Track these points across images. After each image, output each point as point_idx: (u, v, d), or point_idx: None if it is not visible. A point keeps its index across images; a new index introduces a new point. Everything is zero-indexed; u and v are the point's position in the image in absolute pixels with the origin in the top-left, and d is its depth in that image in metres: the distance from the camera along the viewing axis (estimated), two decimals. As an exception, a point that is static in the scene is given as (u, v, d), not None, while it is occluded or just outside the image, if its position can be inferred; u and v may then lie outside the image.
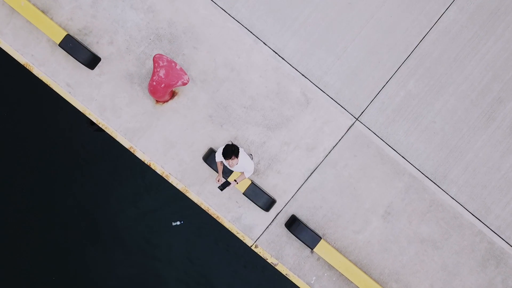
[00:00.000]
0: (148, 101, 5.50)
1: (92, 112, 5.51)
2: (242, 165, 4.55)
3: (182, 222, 5.79)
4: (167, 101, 5.49)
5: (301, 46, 5.51)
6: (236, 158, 4.25)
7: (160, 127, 5.48)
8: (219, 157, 4.52)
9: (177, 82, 5.00)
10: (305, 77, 5.49)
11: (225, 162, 4.35)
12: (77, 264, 6.00)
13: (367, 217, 5.42)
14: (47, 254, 6.37)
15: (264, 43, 5.52)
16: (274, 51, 5.51)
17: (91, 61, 5.40)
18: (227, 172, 5.25)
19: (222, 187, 4.67)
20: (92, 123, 5.67)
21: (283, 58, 5.50)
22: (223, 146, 4.27)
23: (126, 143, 5.50)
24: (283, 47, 5.51)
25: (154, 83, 5.03)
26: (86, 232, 6.01)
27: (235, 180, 4.72)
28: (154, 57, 4.99)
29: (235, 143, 5.48)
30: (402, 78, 5.48)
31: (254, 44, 5.51)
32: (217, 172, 5.01)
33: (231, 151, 4.17)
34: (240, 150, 4.45)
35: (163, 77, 4.98)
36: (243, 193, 5.28)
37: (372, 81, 5.48)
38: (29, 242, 6.12)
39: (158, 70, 5.00)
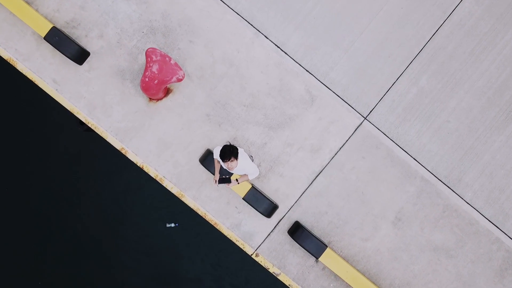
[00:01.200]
0: (140, 99, 5.12)
1: (81, 111, 5.13)
2: (242, 168, 4.18)
3: (177, 224, 5.41)
4: (161, 98, 5.11)
5: (305, 40, 5.13)
6: (235, 160, 3.89)
7: (154, 126, 5.10)
8: (217, 154, 4.15)
9: (172, 78, 4.63)
10: (310, 73, 5.11)
11: (224, 165, 3.97)
12: (63, 265, 5.63)
13: (376, 224, 5.04)
14: (36, 257, 6.00)
15: (265, 36, 5.14)
16: (276, 45, 5.13)
17: (80, 56, 5.03)
18: (226, 174, 4.87)
19: (220, 182, 4.33)
20: (82, 122, 5.29)
21: (285, 53, 5.13)
22: (222, 146, 3.90)
23: (117, 144, 5.12)
24: (286, 41, 5.13)
25: (147, 79, 4.65)
26: (70, 236, 5.65)
27: (236, 180, 4.36)
28: (147, 51, 4.61)
29: (234, 144, 5.10)
30: (413, 74, 5.10)
31: (254, 38, 5.13)
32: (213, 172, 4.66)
33: (229, 152, 3.79)
34: (240, 151, 4.08)
35: (156, 72, 4.60)
36: (242, 198, 4.91)
37: (381, 78, 5.10)
38: (13, 246, 5.75)
39: (151, 65, 4.62)
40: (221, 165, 4.43)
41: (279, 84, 5.10)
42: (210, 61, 5.12)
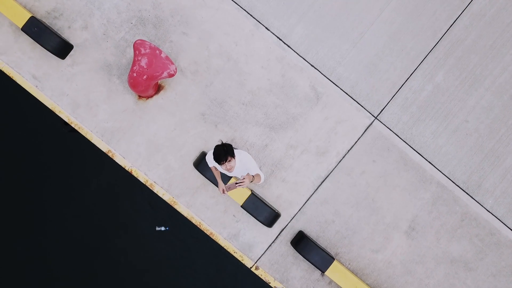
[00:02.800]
0: (129, 97, 4.66)
1: (63, 110, 4.66)
2: (244, 165, 3.63)
3: (167, 228, 4.96)
4: (151, 96, 4.65)
5: (310, 32, 4.67)
6: (233, 159, 3.33)
7: (143, 127, 4.64)
8: (211, 161, 3.64)
9: (162, 73, 4.17)
10: (315, 68, 4.65)
11: (221, 168, 3.47)
12: (46, 268, 5.15)
13: (387, 234, 4.59)
14: (20, 257, 5.53)
15: (266, 28, 4.68)
16: (278, 38, 4.67)
17: (62, 49, 4.57)
18: (227, 180, 4.42)
19: (229, 189, 3.52)
20: (66, 123, 4.83)
21: (288, 46, 4.66)
22: (213, 149, 3.38)
23: (103, 146, 4.66)
24: (289, 33, 4.67)
25: (135, 75, 4.19)
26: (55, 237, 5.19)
27: (243, 179, 3.41)
28: (135, 43, 4.16)
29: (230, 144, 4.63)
30: (429, 70, 4.64)
31: (254, 29, 4.67)
32: (213, 181, 4.10)
33: (223, 152, 3.26)
34: (237, 152, 3.58)
35: (145, 67, 4.15)
36: (241, 206, 4.45)
37: (393, 73, 4.64)
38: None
39: (140, 58, 4.16)
40: (220, 171, 3.89)
41: (282, 80, 4.64)
42: (205, 55, 4.66)
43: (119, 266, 5.17)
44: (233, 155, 3.27)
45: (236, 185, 3.29)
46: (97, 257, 5.22)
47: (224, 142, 3.36)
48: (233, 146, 3.61)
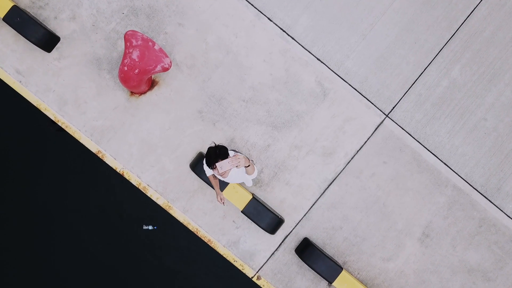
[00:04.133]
0: (120, 93, 4.31)
1: (49, 107, 4.32)
2: (242, 171, 3.29)
3: (155, 227, 4.59)
4: (144, 92, 4.31)
5: (316, 23, 4.32)
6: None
7: (136, 126, 4.29)
8: (208, 169, 3.23)
9: (156, 66, 3.83)
10: (321, 61, 4.31)
11: (215, 173, 3.06)
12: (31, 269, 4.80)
13: (400, 241, 4.25)
14: (6, 260, 5.18)
15: (268, 18, 4.34)
16: (281, 29, 4.32)
17: (47, 41, 4.23)
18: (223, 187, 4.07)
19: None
20: (53, 121, 4.47)
21: (293, 38, 4.32)
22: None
23: (92, 147, 4.31)
24: (293, 24, 4.32)
25: (126, 68, 3.85)
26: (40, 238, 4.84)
27: (236, 156, 2.85)
28: (126, 34, 3.82)
29: (231, 146, 4.30)
30: (444, 64, 4.30)
31: (256, 20, 4.32)
32: (212, 187, 3.67)
33: (215, 154, 2.82)
34: (230, 152, 3.20)
35: (137, 60, 3.80)
36: (241, 211, 4.11)
37: (406, 68, 4.30)
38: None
39: (131, 51, 3.82)
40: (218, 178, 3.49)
41: (285, 75, 4.30)
42: (203, 47, 4.31)
43: (110, 278, 4.82)
44: (224, 159, 2.83)
45: (229, 163, 2.74)
46: (91, 265, 4.87)
47: (218, 143, 2.96)
48: (229, 149, 3.26)
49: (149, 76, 3.99)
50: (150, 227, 4.64)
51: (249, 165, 2.94)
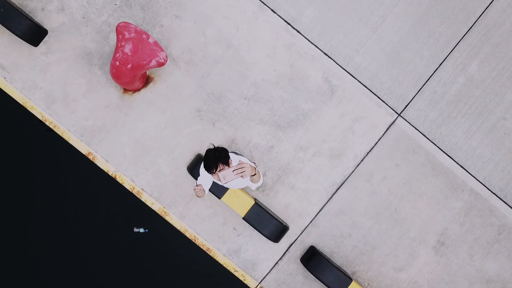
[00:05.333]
0: (112, 90, 4.01)
1: (36, 105, 4.01)
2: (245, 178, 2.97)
3: (147, 230, 4.28)
4: (138, 89, 4.01)
5: (323, 14, 4.02)
6: (226, 167, 2.59)
7: (129, 125, 3.99)
8: (205, 175, 2.89)
9: (150, 61, 3.53)
10: (329, 56, 4.01)
11: (213, 179, 2.75)
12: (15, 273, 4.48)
13: (413, 249, 3.96)
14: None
15: (272, 10, 4.04)
16: (286, 21, 4.02)
17: (34, 34, 3.93)
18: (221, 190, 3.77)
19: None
20: (41, 121, 4.17)
21: (298, 31, 4.02)
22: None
23: (82, 148, 4.01)
24: (299, 16, 4.03)
25: (118, 63, 3.54)
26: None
27: (241, 165, 2.55)
28: (118, 26, 3.52)
29: (232, 147, 4.00)
30: (461, 59, 4.00)
31: (258, 12, 4.03)
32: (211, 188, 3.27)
33: (214, 158, 2.52)
34: (231, 154, 2.91)
35: (129, 54, 3.50)
36: (243, 218, 3.81)
37: (420, 63, 4.00)
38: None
39: (123, 44, 3.52)
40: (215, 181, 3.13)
41: (290, 71, 4.00)
42: (202, 41, 4.01)
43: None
44: (226, 162, 2.52)
45: (234, 172, 2.45)
46: (78, 272, 4.57)
47: (217, 145, 2.64)
48: (230, 151, 2.94)
49: (143, 71, 3.69)
50: (142, 230, 4.33)
51: (255, 174, 2.63)
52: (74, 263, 4.47)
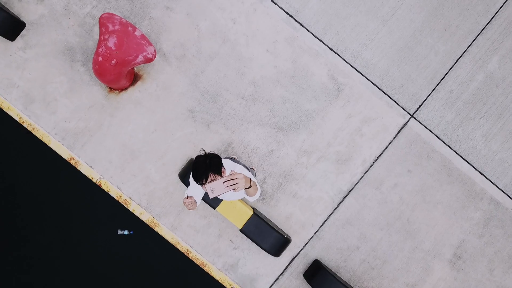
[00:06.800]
0: (97, 89, 3.65)
1: (12, 105, 3.65)
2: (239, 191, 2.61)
3: (131, 232, 3.93)
4: (125, 88, 3.65)
5: (329, 6, 3.67)
6: (219, 177, 2.16)
7: (116, 128, 3.63)
8: (195, 186, 2.52)
9: (137, 56, 3.18)
10: (335, 52, 3.65)
11: (204, 190, 2.32)
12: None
13: (427, 263, 3.61)
14: None
15: (272, 1, 3.68)
16: (287, 13, 3.66)
17: (10, 27, 3.59)
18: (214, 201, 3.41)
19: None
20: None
21: (301, 24, 3.66)
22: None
23: (64, 152, 3.64)
24: (302, 7, 3.67)
25: (100, 59, 3.19)
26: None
27: (233, 175, 2.18)
28: (101, 17, 3.18)
29: (228, 152, 3.63)
30: (479, 55, 3.65)
31: (257, 3, 3.67)
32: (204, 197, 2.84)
33: (205, 167, 2.12)
34: (226, 161, 2.55)
35: (114, 48, 3.14)
36: (240, 230, 3.45)
37: (434, 59, 3.64)
38: None
39: (106, 37, 3.16)
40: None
41: (292, 67, 3.64)
42: (195, 35, 3.65)
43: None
44: (218, 172, 2.13)
45: (224, 184, 2.08)
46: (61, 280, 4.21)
47: (209, 151, 2.25)
48: (225, 156, 2.58)
49: (130, 68, 3.33)
50: (126, 232, 3.97)
51: (250, 186, 2.25)
52: (51, 278, 4.11)
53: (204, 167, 2.11)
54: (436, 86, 3.65)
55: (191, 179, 2.46)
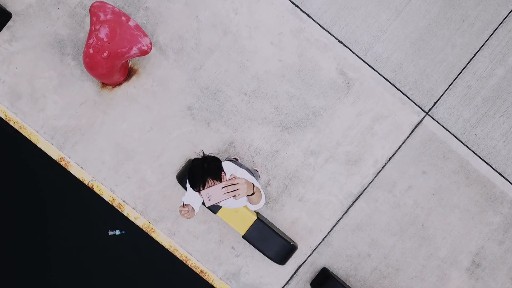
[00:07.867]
0: (89, 84, 3.40)
1: (-2, 102, 3.40)
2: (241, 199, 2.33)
3: (123, 232, 3.68)
4: (119, 83, 3.40)
5: (338, -5, 3.42)
6: (217, 182, 1.88)
7: (109, 126, 3.38)
8: (191, 194, 2.25)
9: (131, 48, 2.93)
10: (344, 45, 3.40)
11: (202, 196, 2.04)
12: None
13: (443, 272, 3.36)
14: None
15: (277, -10, 3.43)
16: (293, 3, 3.42)
17: (-4, 18, 3.32)
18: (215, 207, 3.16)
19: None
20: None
21: (308, 15, 3.41)
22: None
23: (53, 152, 3.40)
24: (309, -3, 3.42)
25: (91, 51, 2.94)
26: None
27: (233, 180, 1.88)
28: (91, 6, 2.93)
29: (230, 152, 3.38)
30: (499, 49, 3.40)
31: (261, -8, 3.42)
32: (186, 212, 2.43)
33: (202, 171, 1.86)
34: (226, 164, 2.30)
35: (105, 39, 2.90)
36: (243, 236, 3.21)
37: (451, 53, 3.39)
38: None
39: (98, 28, 2.92)
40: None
41: (298, 61, 3.39)
42: (194, 26, 3.40)
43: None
44: (217, 177, 1.87)
45: (223, 190, 1.81)
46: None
47: (208, 154, 1.98)
48: (226, 158, 2.32)
49: (123, 61, 3.08)
50: (117, 232, 3.73)
51: (253, 193, 1.98)
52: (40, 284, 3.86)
53: (201, 171, 1.84)
54: (453, 81, 3.40)
55: (188, 184, 2.21)
